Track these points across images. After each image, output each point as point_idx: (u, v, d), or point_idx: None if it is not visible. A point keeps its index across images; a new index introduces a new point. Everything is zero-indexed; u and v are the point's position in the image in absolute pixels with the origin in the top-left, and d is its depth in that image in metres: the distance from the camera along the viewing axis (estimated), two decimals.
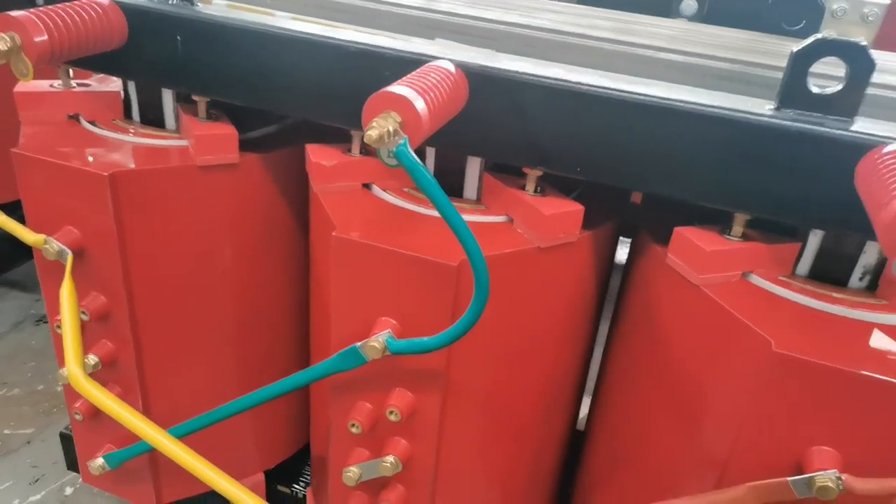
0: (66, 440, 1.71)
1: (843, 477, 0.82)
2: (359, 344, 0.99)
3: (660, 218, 1.08)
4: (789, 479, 0.84)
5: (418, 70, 0.90)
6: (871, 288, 0.97)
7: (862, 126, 0.85)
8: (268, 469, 1.56)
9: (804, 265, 0.99)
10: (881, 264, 0.95)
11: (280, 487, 1.60)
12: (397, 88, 0.81)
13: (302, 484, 1.61)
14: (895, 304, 0.94)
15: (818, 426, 0.85)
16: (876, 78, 0.87)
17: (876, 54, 0.84)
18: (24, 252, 2.92)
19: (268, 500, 1.29)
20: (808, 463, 0.85)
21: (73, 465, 1.75)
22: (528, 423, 1.19)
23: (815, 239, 0.97)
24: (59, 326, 1.18)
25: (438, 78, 0.89)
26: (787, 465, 0.87)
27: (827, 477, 0.82)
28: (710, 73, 1.01)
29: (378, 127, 0.78)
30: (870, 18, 1.26)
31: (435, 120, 0.86)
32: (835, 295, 0.94)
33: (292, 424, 1.56)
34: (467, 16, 1.13)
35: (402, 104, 0.80)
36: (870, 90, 0.89)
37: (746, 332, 0.86)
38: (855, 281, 0.97)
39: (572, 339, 1.17)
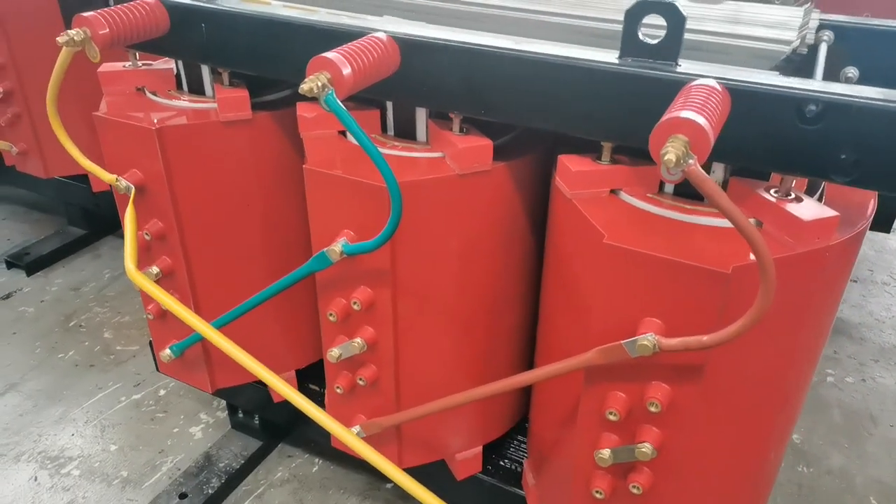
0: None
1: (658, 338, 1.07)
2: (325, 249, 1.33)
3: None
4: (623, 342, 1.10)
5: (356, 40, 1.21)
6: None
7: (683, 67, 1.07)
8: (300, 368, 1.96)
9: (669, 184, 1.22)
10: (725, 183, 1.17)
11: (311, 385, 1.99)
12: (328, 54, 1.13)
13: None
14: None
15: (645, 301, 1.09)
16: (705, 26, 1.09)
17: (691, 9, 1.06)
18: None
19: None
20: (639, 330, 1.10)
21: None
22: (476, 317, 1.47)
23: None
24: None
25: (369, 46, 1.19)
26: (628, 333, 1.11)
27: (646, 339, 1.07)
28: (591, 32, 1.25)
29: (310, 82, 1.10)
30: None
31: (361, 77, 1.16)
32: (686, 206, 1.17)
33: (316, 334, 1.93)
34: None
35: (330, 65, 1.12)
36: (699, 37, 1.11)
37: (592, 230, 1.12)
38: None
39: (504, 251, 1.45)
